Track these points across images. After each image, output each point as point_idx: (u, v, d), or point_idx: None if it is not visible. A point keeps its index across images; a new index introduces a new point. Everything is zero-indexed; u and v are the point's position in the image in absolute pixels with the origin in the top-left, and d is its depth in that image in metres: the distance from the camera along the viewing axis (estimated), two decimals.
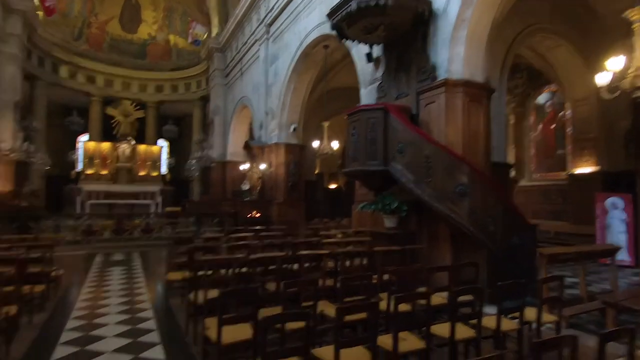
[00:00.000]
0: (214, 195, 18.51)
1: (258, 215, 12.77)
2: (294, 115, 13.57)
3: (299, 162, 13.68)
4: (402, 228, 6.34)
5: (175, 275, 6.11)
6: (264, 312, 3.39)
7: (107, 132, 21.18)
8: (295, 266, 4.84)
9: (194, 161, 19.17)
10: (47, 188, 18.70)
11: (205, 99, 22.21)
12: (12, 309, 4.14)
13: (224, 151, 18.77)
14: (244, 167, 17.20)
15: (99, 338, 4.23)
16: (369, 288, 4.03)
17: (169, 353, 3.87)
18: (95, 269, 8.01)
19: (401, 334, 2.69)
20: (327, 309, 3.69)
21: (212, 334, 3.22)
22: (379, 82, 7.73)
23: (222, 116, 19.38)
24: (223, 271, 4.73)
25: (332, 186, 20.74)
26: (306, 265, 4.72)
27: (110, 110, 21.32)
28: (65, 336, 4.28)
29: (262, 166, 13.43)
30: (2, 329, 3.75)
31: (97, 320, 4.82)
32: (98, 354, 3.83)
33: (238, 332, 3.24)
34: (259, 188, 13.47)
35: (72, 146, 21.10)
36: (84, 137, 21.50)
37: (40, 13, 17.83)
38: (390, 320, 3.39)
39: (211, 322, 3.63)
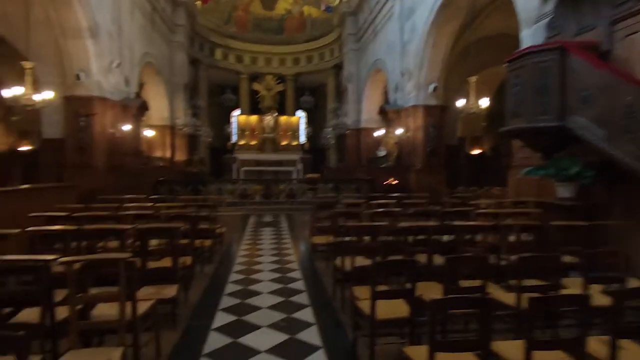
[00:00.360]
0: (349, 162, 18.72)
1: (395, 182, 12.33)
2: (434, 74, 12.39)
3: (439, 124, 12.57)
4: (582, 199, 5.09)
5: (319, 239, 6.20)
6: (420, 288, 3.01)
7: (254, 106, 23.28)
8: (444, 238, 4.30)
9: (329, 129, 19.63)
10: (211, 157, 21.77)
11: (338, 67, 22.28)
12: (188, 260, 4.72)
13: (358, 118, 18.63)
14: (379, 133, 16.80)
15: (255, 293, 4.51)
16: (546, 271, 3.25)
17: (319, 317, 3.85)
18: (250, 229, 8.84)
19: (622, 342, 1.96)
20: (496, 292, 3.09)
21: (364, 306, 2.99)
22: (548, 18, 6.22)
23: (355, 83, 19.15)
24: (366, 238, 4.52)
25: (475, 151, 18.76)
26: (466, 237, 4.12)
27: (256, 86, 23.23)
28: (229, 288, 4.70)
29: (399, 131, 12.79)
30: (181, 276, 4.26)
31: (254, 276, 5.19)
32: (255, 308, 4.05)
33: (393, 308, 2.94)
34: (395, 154, 12.94)
35: (227, 120, 23.86)
36: (236, 112, 24.10)
37: (198, 3, 20.12)
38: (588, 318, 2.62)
39: (361, 292, 3.43)
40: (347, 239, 4.44)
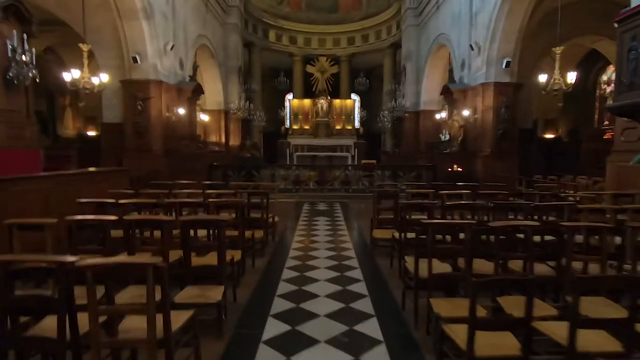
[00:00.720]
0: (406, 147, 17.61)
1: (460, 169, 11.18)
2: (508, 46, 10.94)
3: (512, 104, 11.14)
4: None
5: (381, 234, 5.49)
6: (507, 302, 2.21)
7: (308, 90, 22.72)
8: (536, 238, 3.40)
9: (385, 113, 18.56)
10: (264, 142, 21.67)
11: (395, 46, 20.96)
12: (237, 254, 4.24)
13: (417, 100, 17.37)
14: (440, 116, 15.52)
15: (311, 295, 3.93)
16: None
17: (387, 333, 3.17)
18: (304, 217, 8.32)
19: None
20: None
21: (455, 335, 2.25)
22: None
23: (414, 62, 17.82)
24: (438, 236, 3.73)
25: (548, 135, 16.79)
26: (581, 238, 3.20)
27: (309, 68, 22.62)
28: (282, 288, 4.17)
29: (465, 113, 11.54)
30: (229, 275, 3.78)
31: (308, 274, 4.62)
32: (311, 315, 3.47)
33: (496, 340, 2.19)
34: (460, 138, 11.73)
35: (281, 105, 23.58)
36: (289, 96, 23.73)
37: None
38: None
39: (443, 308, 2.70)
40: (415, 235, 3.68)
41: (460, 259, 3.27)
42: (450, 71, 12.47)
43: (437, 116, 15.62)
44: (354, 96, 24.00)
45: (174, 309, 3.01)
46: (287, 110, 21.47)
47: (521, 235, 3.36)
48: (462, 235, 3.25)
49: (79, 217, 3.21)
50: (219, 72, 16.71)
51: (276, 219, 6.57)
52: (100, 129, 11.94)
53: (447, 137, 11.80)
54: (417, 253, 3.20)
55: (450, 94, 12.63)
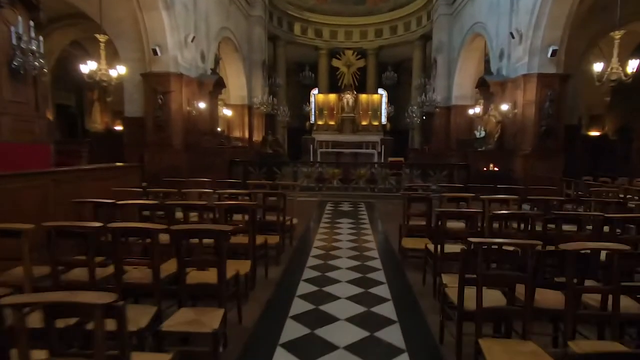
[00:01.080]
0: (436, 144, 16.65)
1: (496, 169, 10.25)
2: (554, 33, 9.87)
3: (558, 98, 10.08)
4: None
5: (412, 243, 4.80)
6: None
7: (333, 85, 22.04)
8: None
9: (414, 108, 17.63)
10: (289, 138, 21.19)
11: (425, 38, 19.92)
12: (246, 265, 3.69)
13: (448, 94, 16.35)
14: (474, 111, 14.50)
15: (329, 319, 3.32)
16: None
17: None
18: (326, 219, 7.72)
19: None
20: None
21: None
22: None
23: (446, 54, 16.78)
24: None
25: (593, 133, 15.44)
26: None
27: (335, 62, 21.91)
28: (296, 306, 3.58)
29: (504, 107, 10.56)
30: (234, 292, 3.23)
31: (327, 289, 4.01)
32: (329, 347, 2.86)
33: None
34: (497, 135, 10.77)
35: (306, 100, 22.99)
36: (315, 91, 23.13)
37: None
38: None
39: (497, 354, 2.02)
40: (459, 256, 2.98)
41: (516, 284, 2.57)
42: (487, 62, 11.49)
43: (471, 112, 14.61)
44: (381, 91, 23.12)
45: (160, 337, 2.49)
46: (312, 105, 20.85)
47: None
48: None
49: (57, 223, 2.72)
50: (243, 66, 16.30)
51: (295, 221, 5.99)
52: (123, 124, 11.74)
53: (483, 133, 10.87)
54: (462, 279, 2.52)
55: (487, 87, 11.65)
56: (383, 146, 12.57)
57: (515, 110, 10.43)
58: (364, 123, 20.07)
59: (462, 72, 15.78)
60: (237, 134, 16.58)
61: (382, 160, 14.31)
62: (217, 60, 12.10)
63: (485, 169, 10.27)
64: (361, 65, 22.06)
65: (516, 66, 10.63)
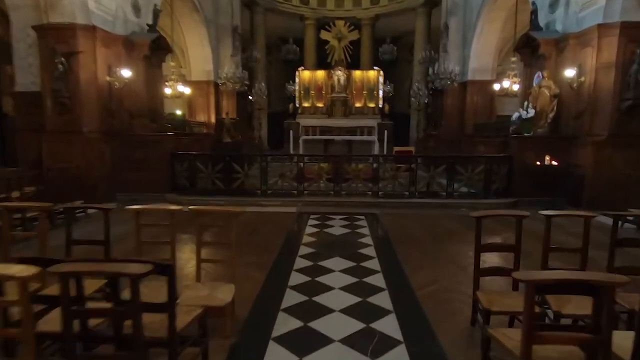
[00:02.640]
0: (447, 129, 13.27)
1: (554, 163, 6.92)
2: None
3: None
4: None
5: (501, 302, 1.43)
6: None
7: (322, 61, 18.43)
8: None
9: (420, 85, 14.07)
10: (271, 125, 17.64)
11: (431, 4, 16.36)
12: None
13: (463, 68, 12.91)
14: (500, 85, 11.10)
15: None
16: None
17: None
18: (303, 260, 4.29)
19: None
20: None
21: None
22: None
23: (461, 17, 13.27)
24: None
25: None
26: None
27: (324, 34, 18.25)
28: None
29: (570, 72, 7.15)
30: None
31: None
32: None
33: None
34: (551, 115, 7.40)
35: (290, 79, 19.32)
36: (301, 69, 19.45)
37: None
38: None
39: None
40: None
41: None
42: (534, 12, 7.96)
43: (496, 87, 11.22)
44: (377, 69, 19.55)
45: None
46: (297, 84, 17.22)
47: None
48: None
49: None
50: (207, 32, 12.60)
51: (225, 296, 2.59)
52: (14, 101, 8.11)
53: (530, 113, 7.49)
54: None
55: (531, 49, 8.22)
56: (386, 131, 9.22)
57: (582, 79, 7.05)
58: (357, 105, 16.57)
59: (483, 39, 12.31)
60: (201, 118, 12.99)
61: (385, 151, 10.77)
62: (156, 14, 8.44)
63: (538, 163, 6.93)
64: (354, 38, 18.41)
65: (581, 15, 7.20)
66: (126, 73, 7.32)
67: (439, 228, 5.69)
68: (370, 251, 4.52)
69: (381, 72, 17.33)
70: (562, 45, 7.54)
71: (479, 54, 12.45)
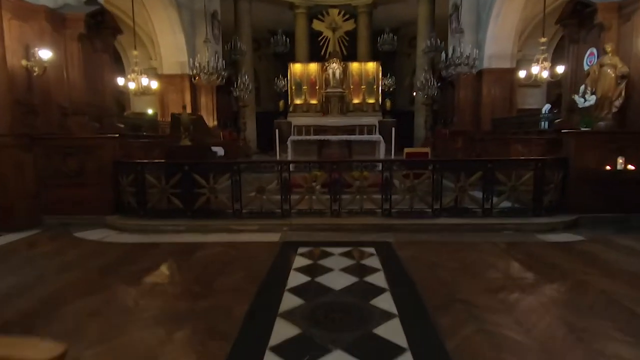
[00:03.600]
0: (460, 126, 11.38)
1: (631, 167, 5.02)
2: None
3: None
4: None
5: None
6: None
7: (315, 55, 16.49)
8: None
9: (427, 76, 12.17)
10: (261, 125, 15.68)
11: None
12: None
13: (479, 54, 10.99)
14: (526, 72, 9.21)
15: None
16: None
17: None
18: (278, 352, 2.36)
19: None
20: None
21: None
22: None
23: None
24: None
25: None
26: None
27: (317, 24, 16.31)
28: None
29: None
30: None
31: None
32: None
33: None
34: (617, 102, 5.50)
35: (281, 74, 17.38)
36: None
37: None
38: None
39: None
40: None
41: None
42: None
43: (521, 74, 9.32)
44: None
45: None
46: (288, 79, 15.28)
47: None
48: None
49: None
50: (179, 18, 10.64)
51: None
52: None
53: (590, 100, 5.61)
54: None
55: (579, 20, 6.33)
56: (393, 129, 7.33)
57: None
58: (356, 101, 14.70)
59: (501, 21, 10.42)
60: None
61: (393, 153, 8.74)
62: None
63: (608, 167, 5.03)
64: (350, 29, 16.50)
65: None
66: (45, 54, 5.33)
67: (487, 267, 3.78)
68: (392, 329, 2.59)
69: (380, 65, 15.45)
70: (629, 10, 5.64)
71: (497, 38, 10.56)
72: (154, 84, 9.69)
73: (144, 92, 9.65)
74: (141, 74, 9.00)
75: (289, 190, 5.34)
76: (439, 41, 13.26)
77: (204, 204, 5.38)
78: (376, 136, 7.83)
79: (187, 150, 5.49)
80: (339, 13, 16.24)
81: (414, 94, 17.85)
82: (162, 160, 5.75)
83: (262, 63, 19.99)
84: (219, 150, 9.28)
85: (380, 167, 5.45)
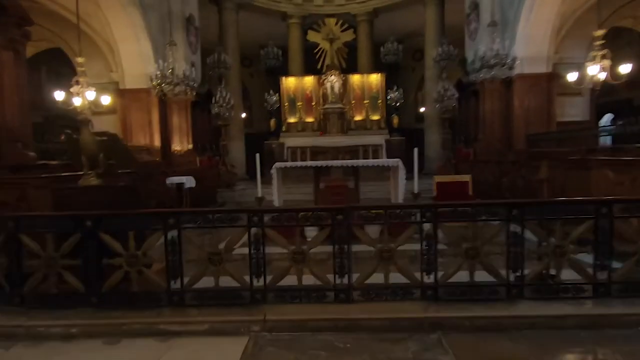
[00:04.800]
0: (486, 144, 9.24)
1: None
2: None
3: None
4: None
5: None
6: None
7: (311, 69, 14.57)
8: None
9: (447, 85, 9.94)
10: (248, 147, 13.58)
11: None
12: None
13: (504, 57, 8.94)
14: (579, 75, 7.16)
15: None
16: None
17: None
18: None
19: None
20: None
21: None
22: None
23: None
24: None
25: None
26: None
27: (312, 36, 14.46)
28: None
29: None
30: None
31: None
32: None
33: None
34: None
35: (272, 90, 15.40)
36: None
37: None
38: None
39: None
40: None
41: None
42: None
43: (570, 77, 7.24)
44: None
45: None
46: (281, 95, 13.26)
47: None
48: None
49: None
50: (144, 22, 8.65)
51: None
52: None
53: None
54: None
55: None
56: (415, 151, 5.45)
57: None
58: (358, 118, 12.64)
59: (535, 17, 8.43)
60: (140, 140, 8.91)
61: (417, 185, 6.47)
62: None
63: None
64: (349, 39, 14.63)
65: None
66: None
67: None
68: None
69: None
70: None
71: (530, 37, 8.55)
72: (106, 99, 7.58)
73: (97, 109, 7.57)
74: (87, 86, 6.89)
75: (263, 260, 3.09)
76: (452, 47, 11.32)
77: (119, 283, 3.12)
78: (393, 160, 5.62)
79: (92, 195, 3.26)
80: (337, 23, 14.43)
81: (421, 109, 15.89)
82: (52, 213, 3.49)
83: (254, 81, 18.14)
84: (188, 181, 7.09)
85: (417, 217, 3.19)
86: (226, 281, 3.17)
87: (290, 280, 3.18)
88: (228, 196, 9.19)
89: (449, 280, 3.11)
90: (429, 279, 3.10)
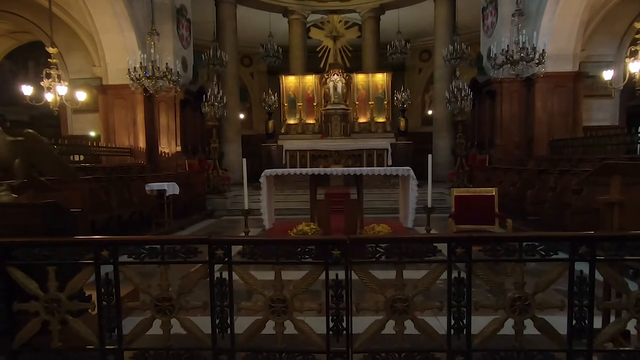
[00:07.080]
0: (504, 149, 8.34)
1: None
2: None
3: None
4: None
5: None
6: None
7: (313, 68, 13.73)
8: None
9: (460, 82, 8.98)
10: (246, 150, 12.75)
11: None
12: None
13: (529, 54, 8.05)
14: (615, 71, 6.26)
15: None
16: None
17: None
18: None
19: None
20: None
21: None
22: None
23: None
24: None
25: None
26: None
27: (315, 33, 13.64)
28: None
29: None
30: None
31: None
32: None
33: None
34: None
35: (271, 89, 14.53)
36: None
37: None
38: None
39: None
40: None
41: None
42: None
43: (607, 75, 6.34)
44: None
45: None
46: (280, 94, 12.41)
47: None
48: None
49: None
50: (129, 11, 7.84)
51: None
52: None
53: None
54: None
55: None
56: (430, 157, 4.62)
57: None
58: (362, 120, 11.78)
59: (561, 11, 7.53)
60: (124, 141, 8.10)
61: (430, 195, 5.49)
62: None
63: None
64: (353, 37, 13.78)
65: None
66: None
67: None
68: None
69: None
70: None
71: (555, 32, 7.65)
72: (81, 95, 6.77)
73: (73, 106, 6.75)
74: (56, 81, 6.07)
75: (230, 307, 2.23)
76: (464, 46, 10.42)
77: (35, 336, 2.27)
78: (403, 169, 4.75)
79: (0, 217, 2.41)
80: (340, 21, 13.59)
81: (429, 112, 15.05)
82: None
83: (254, 81, 17.39)
84: (170, 187, 6.25)
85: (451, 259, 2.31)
86: (181, 338, 2.32)
87: (269, 328, 2.31)
88: (219, 203, 8.35)
89: (488, 344, 2.22)
90: (458, 340, 2.22)
